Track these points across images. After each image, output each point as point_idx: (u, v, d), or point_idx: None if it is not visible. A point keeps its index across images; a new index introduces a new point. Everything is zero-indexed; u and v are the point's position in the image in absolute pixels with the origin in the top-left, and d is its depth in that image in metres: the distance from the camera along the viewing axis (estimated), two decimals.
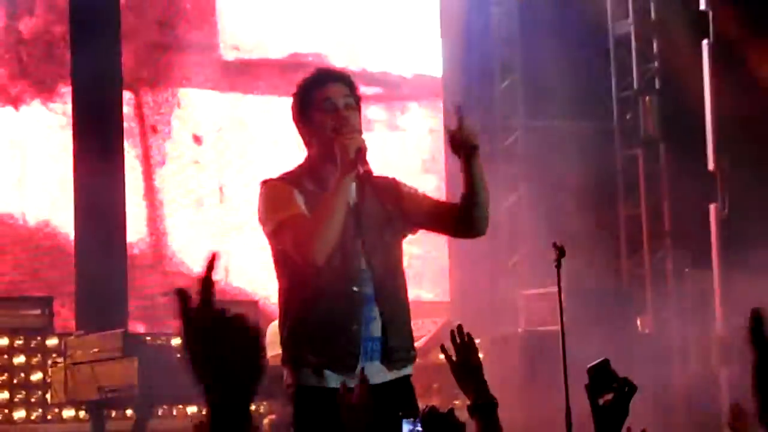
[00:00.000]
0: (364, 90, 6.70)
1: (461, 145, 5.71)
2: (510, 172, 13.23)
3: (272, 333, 10.02)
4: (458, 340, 5.08)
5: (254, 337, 2.39)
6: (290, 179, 6.12)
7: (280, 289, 6.09)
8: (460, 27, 14.26)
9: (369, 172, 6.04)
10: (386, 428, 5.14)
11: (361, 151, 5.87)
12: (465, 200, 5.92)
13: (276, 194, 6.08)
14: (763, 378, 3.81)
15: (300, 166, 6.17)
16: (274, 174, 6.24)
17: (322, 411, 5.86)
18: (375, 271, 6.04)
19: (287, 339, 6.16)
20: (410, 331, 6.24)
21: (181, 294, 2.36)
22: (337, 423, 5.42)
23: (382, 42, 15.00)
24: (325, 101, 6.06)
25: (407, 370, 6.10)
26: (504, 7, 14.09)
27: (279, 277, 6.05)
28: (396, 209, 6.11)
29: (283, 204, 6.00)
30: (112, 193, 12.97)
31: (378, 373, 5.86)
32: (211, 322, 2.38)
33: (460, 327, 5.30)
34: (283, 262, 6.08)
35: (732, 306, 12.44)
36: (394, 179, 6.33)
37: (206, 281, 2.35)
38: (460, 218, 6.06)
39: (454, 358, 5.02)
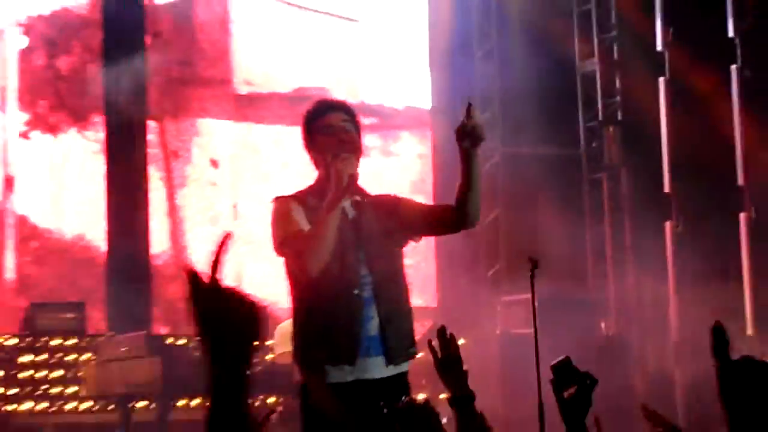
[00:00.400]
0: (362, 120, 6.45)
1: (468, 135, 5.63)
2: (489, 192, 12.85)
3: (280, 333, 10.11)
4: (441, 340, 5.01)
5: (252, 309, 2.36)
6: (298, 197, 6.11)
7: (290, 295, 5.99)
8: (446, 65, 14.34)
9: (359, 197, 6.18)
10: (380, 420, 5.09)
11: (353, 177, 5.92)
12: (462, 191, 5.86)
13: (281, 212, 6.05)
14: (726, 385, 3.82)
15: (310, 186, 6.16)
16: (286, 192, 6.26)
17: (326, 404, 5.93)
18: (374, 276, 6.00)
19: (296, 339, 6.16)
20: (409, 330, 6.17)
21: (191, 273, 2.30)
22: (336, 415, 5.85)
23: (377, 78, 15.17)
24: (326, 127, 6.07)
25: (404, 367, 6.02)
26: (485, 49, 14.01)
27: (289, 285, 6.02)
28: (395, 222, 6.09)
29: (285, 222, 5.99)
30: (138, 211, 13.05)
31: (377, 368, 5.88)
32: (217, 295, 2.33)
33: (443, 328, 5.21)
34: (290, 272, 6.01)
35: (685, 311, 12.33)
36: (394, 196, 6.41)
37: (216, 259, 2.30)
38: (456, 211, 5.96)
39: (438, 355, 4.95)
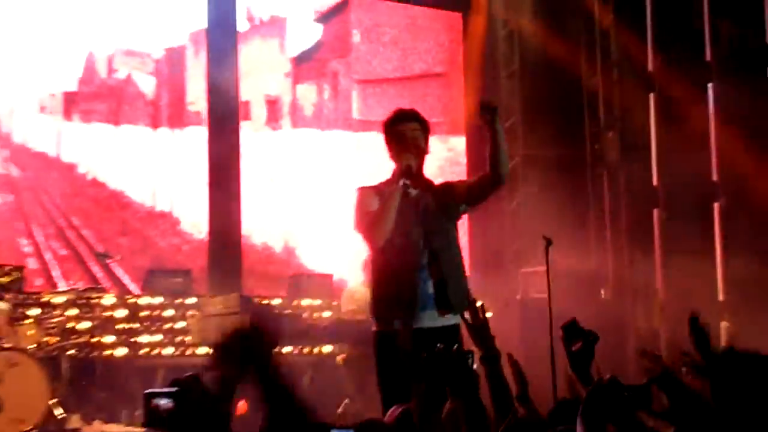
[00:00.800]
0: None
1: (487, 108, 6.17)
2: (512, 185, 13.20)
3: (346, 296, 10.60)
4: (472, 309, 5.07)
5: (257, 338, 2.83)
6: (376, 186, 6.59)
7: (370, 263, 6.59)
8: (479, 84, 14.26)
9: (410, 184, 6.43)
10: (431, 361, 5.00)
11: (409, 168, 6.36)
12: (491, 154, 6.32)
13: (359, 199, 6.59)
14: (707, 358, 4.03)
15: (388, 178, 6.58)
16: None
17: (391, 348, 6.36)
18: (431, 247, 6.36)
19: (372, 297, 6.65)
20: (461, 291, 6.46)
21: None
22: (399, 356, 6.20)
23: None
24: (397, 134, 6.52)
25: (455, 320, 6.25)
26: (509, 70, 14.27)
27: (368, 256, 6.75)
28: (450, 199, 6.51)
29: (361, 207, 6.51)
30: (232, 201, 13.14)
31: (430, 320, 6.29)
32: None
33: (474, 300, 5.52)
34: (366, 245, 6.62)
35: (669, 281, 12.80)
36: (447, 181, 6.89)
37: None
38: (490, 175, 6.38)
39: (470, 320, 5.00)
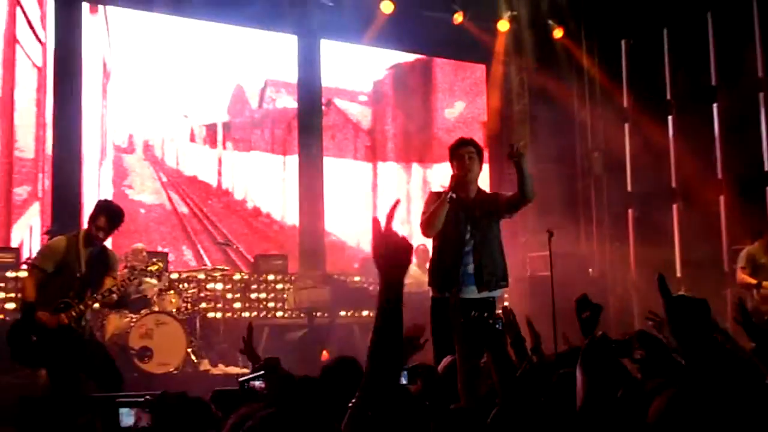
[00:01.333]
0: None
1: (514, 154, 6.18)
2: None
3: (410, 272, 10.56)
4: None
5: (405, 244, 2.44)
6: (439, 192, 6.65)
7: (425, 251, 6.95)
8: (498, 116, 14.25)
9: (457, 194, 6.50)
10: (471, 325, 5.22)
11: (457, 178, 6.46)
12: (518, 185, 6.36)
13: (426, 201, 6.72)
14: (671, 313, 3.67)
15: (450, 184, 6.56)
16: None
17: (443, 311, 6.16)
18: (475, 239, 6.50)
19: (429, 273, 6.79)
20: (497, 273, 6.60)
21: (376, 223, 2.44)
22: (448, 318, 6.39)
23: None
24: (457, 155, 6.58)
25: (492, 294, 6.50)
26: (521, 104, 14.02)
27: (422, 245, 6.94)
28: (494, 208, 6.58)
29: (425, 207, 6.64)
30: (317, 201, 13.05)
31: (470, 293, 6.40)
32: (388, 235, 2.43)
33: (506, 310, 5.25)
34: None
35: (639, 264, 12.76)
36: (496, 192, 6.98)
37: (389, 214, 2.46)
38: (518, 196, 6.41)
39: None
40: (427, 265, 7.09)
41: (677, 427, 2.35)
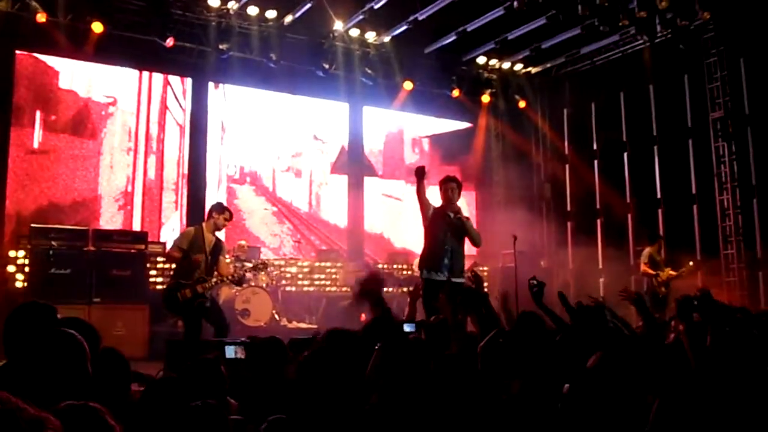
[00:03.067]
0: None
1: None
2: (496, 210, 13.16)
3: (416, 263, 10.48)
4: (475, 277, 5.01)
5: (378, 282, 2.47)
6: (436, 206, 6.66)
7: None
8: (481, 160, 13.99)
9: (455, 212, 6.54)
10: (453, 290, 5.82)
11: (448, 204, 6.54)
12: (470, 240, 6.61)
13: (424, 212, 6.69)
14: (575, 321, 3.77)
15: (441, 204, 6.62)
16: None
17: (433, 289, 6.26)
18: (451, 244, 6.50)
19: (420, 263, 6.74)
20: (461, 266, 6.63)
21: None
22: (435, 293, 6.16)
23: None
24: (443, 189, 6.58)
25: (459, 279, 6.45)
26: (497, 152, 13.84)
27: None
28: (463, 231, 6.58)
29: (422, 216, 6.66)
30: (358, 211, 12.75)
31: (445, 276, 6.40)
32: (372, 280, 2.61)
33: (476, 272, 5.52)
34: None
35: (575, 259, 12.50)
36: (468, 219, 6.80)
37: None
38: (472, 244, 6.72)
39: (472, 284, 4.93)
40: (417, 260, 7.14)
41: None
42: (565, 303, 4.27)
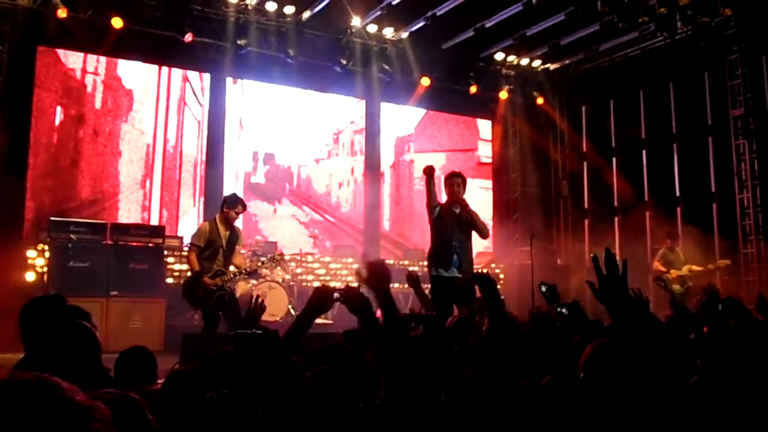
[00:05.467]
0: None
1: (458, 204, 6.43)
2: (513, 207, 13.34)
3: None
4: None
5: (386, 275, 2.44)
6: (441, 203, 6.61)
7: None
8: (499, 153, 13.99)
9: (462, 207, 6.50)
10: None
11: (454, 197, 6.51)
12: (477, 233, 6.56)
13: (431, 211, 6.66)
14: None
15: (447, 200, 6.60)
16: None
17: (441, 285, 6.37)
18: (459, 240, 6.51)
19: (428, 258, 6.70)
20: (471, 260, 6.63)
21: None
22: (445, 290, 6.27)
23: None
24: (449, 184, 6.54)
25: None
26: (515, 148, 13.85)
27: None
28: (471, 226, 6.53)
29: (428, 213, 6.71)
30: (374, 211, 12.80)
31: (455, 273, 6.39)
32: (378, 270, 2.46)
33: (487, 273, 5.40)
34: None
35: (591, 253, 12.81)
36: (476, 214, 6.69)
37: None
38: (479, 236, 6.62)
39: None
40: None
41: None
42: (552, 299, 4.16)
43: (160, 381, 2.86)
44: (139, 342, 3.16)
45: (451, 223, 6.55)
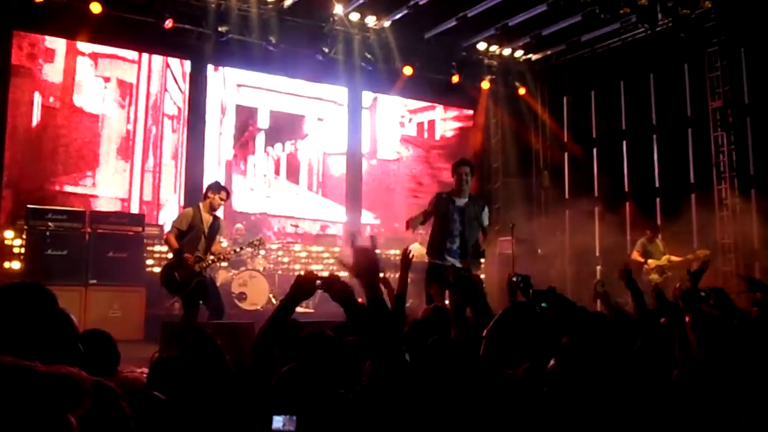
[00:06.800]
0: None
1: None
2: (495, 196, 13.18)
3: (414, 247, 10.36)
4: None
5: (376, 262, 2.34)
6: (440, 193, 6.69)
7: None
8: (480, 144, 13.98)
9: (467, 197, 6.48)
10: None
11: (460, 189, 6.47)
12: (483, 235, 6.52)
13: (431, 200, 6.68)
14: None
15: (453, 188, 6.62)
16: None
17: (437, 272, 6.40)
18: (462, 230, 6.44)
19: (428, 249, 6.67)
20: (474, 253, 6.46)
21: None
22: (440, 276, 6.33)
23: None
24: (456, 173, 6.51)
25: (469, 265, 6.33)
26: (496, 138, 13.78)
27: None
28: (478, 217, 6.46)
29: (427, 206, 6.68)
30: (357, 199, 13.08)
31: (456, 263, 6.38)
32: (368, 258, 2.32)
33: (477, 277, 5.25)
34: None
35: (572, 247, 12.36)
36: (484, 202, 6.75)
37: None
38: (483, 238, 6.52)
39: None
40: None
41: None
42: (525, 287, 4.15)
43: (143, 369, 2.83)
44: (118, 331, 3.11)
45: (451, 210, 6.51)
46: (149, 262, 9.77)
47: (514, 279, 4.22)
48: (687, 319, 2.85)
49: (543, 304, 3.69)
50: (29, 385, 1.04)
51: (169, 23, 10.27)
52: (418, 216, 6.58)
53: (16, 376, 1.05)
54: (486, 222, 6.61)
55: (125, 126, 11.09)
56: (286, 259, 11.31)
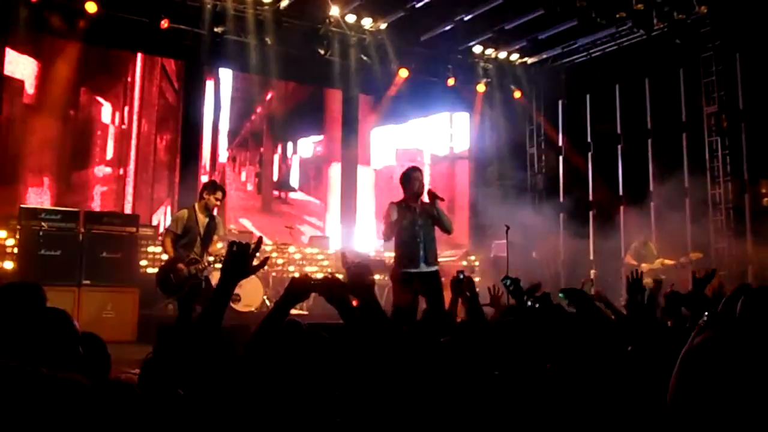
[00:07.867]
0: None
1: (433, 196, 6.32)
2: (492, 200, 12.48)
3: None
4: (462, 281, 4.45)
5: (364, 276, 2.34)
6: (397, 202, 6.59)
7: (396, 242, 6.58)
8: (476, 148, 14.28)
9: (421, 204, 6.51)
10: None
11: (416, 196, 6.49)
12: (439, 226, 6.52)
13: (386, 212, 6.59)
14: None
15: (402, 198, 6.59)
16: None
17: (405, 280, 6.39)
18: (423, 234, 6.48)
19: (395, 256, 6.68)
20: (434, 256, 6.52)
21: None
22: (410, 285, 6.33)
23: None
24: (416, 178, 6.51)
25: (434, 268, 6.47)
26: (491, 140, 13.98)
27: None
28: (432, 219, 6.48)
29: (386, 217, 6.57)
30: (352, 201, 13.27)
31: (423, 267, 6.40)
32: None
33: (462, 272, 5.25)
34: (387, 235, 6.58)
35: (566, 250, 12.55)
36: (434, 205, 6.54)
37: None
38: (442, 231, 6.59)
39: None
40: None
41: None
42: (516, 290, 4.12)
43: (135, 371, 2.81)
44: (111, 332, 3.12)
45: (412, 219, 6.52)
46: (143, 262, 9.71)
47: (507, 282, 4.22)
48: (669, 322, 2.83)
49: (511, 285, 3.99)
50: (36, 390, 1.02)
51: (164, 23, 10.26)
52: (392, 228, 6.54)
53: (23, 381, 1.02)
54: (445, 220, 6.61)
55: (121, 125, 11.03)
56: (280, 261, 11.20)
